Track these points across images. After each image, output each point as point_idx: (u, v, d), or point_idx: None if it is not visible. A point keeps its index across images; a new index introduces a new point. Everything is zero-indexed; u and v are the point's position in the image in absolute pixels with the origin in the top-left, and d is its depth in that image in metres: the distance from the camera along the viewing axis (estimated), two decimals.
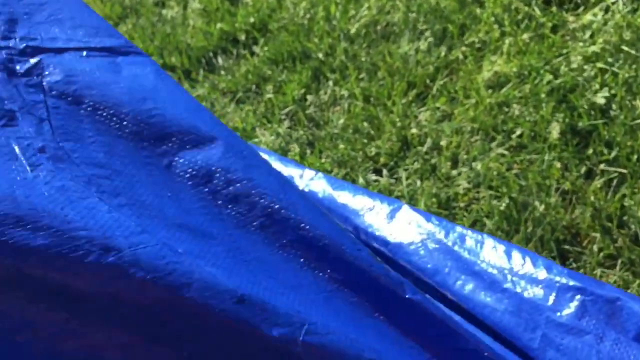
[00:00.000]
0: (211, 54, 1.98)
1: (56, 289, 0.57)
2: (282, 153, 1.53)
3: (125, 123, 0.70)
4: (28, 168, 0.60)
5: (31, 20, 0.76)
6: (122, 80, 0.73)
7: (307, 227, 0.69)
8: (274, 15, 2.01)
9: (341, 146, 1.48)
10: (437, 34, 1.64)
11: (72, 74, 0.71)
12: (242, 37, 1.97)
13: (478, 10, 1.62)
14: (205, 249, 0.59)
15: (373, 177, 1.39)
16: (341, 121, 1.54)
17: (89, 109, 0.69)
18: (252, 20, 1.99)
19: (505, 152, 1.30)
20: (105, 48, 0.76)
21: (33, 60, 0.70)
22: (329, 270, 0.70)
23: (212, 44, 2.00)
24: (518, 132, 1.32)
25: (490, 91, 1.43)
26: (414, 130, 1.43)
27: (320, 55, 1.74)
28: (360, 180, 1.38)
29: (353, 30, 1.77)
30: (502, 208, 1.20)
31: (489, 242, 0.98)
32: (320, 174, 1.20)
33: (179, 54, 2.02)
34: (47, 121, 0.65)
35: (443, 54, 1.58)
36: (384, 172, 1.39)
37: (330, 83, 1.67)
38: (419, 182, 1.32)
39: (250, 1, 2.09)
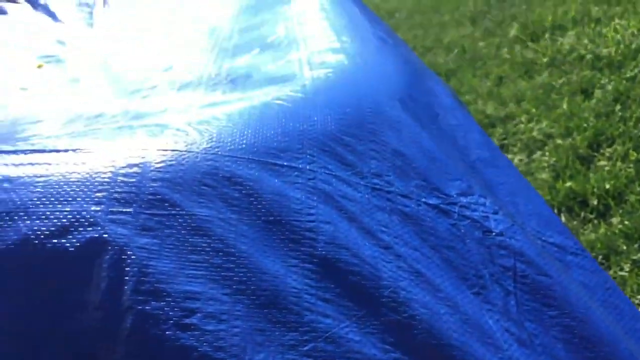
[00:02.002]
0: (555, 211, 1.95)
1: None
2: None
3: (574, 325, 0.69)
4: (504, 345, 0.62)
5: (493, 190, 0.82)
6: (573, 281, 0.73)
7: None
8: (632, 186, 1.90)
9: None
10: None
11: (530, 254, 0.74)
12: (594, 201, 1.90)
13: None
14: None
15: None
16: None
17: (545, 292, 0.71)
18: (607, 186, 1.92)
19: None
20: (555, 244, 0.77)
21: (507, 222, 0.73)
22: None
23: (557, 200, 1.97)
24: None
25: None
26: None
27: None
28: None
29: None
30: None
31: None
32: None
33: None
34: (513, 295, 0.68)
35: None
36: None
37: None
38: None
39: (608, 166, 2.02)
